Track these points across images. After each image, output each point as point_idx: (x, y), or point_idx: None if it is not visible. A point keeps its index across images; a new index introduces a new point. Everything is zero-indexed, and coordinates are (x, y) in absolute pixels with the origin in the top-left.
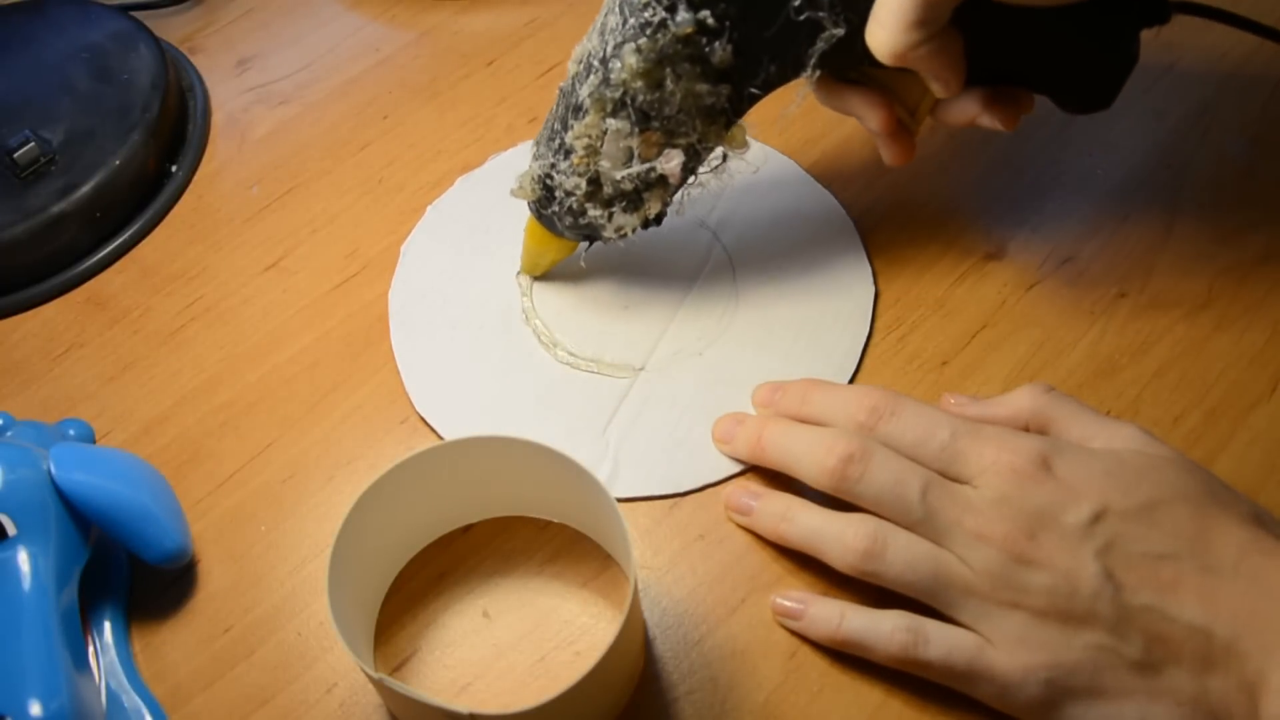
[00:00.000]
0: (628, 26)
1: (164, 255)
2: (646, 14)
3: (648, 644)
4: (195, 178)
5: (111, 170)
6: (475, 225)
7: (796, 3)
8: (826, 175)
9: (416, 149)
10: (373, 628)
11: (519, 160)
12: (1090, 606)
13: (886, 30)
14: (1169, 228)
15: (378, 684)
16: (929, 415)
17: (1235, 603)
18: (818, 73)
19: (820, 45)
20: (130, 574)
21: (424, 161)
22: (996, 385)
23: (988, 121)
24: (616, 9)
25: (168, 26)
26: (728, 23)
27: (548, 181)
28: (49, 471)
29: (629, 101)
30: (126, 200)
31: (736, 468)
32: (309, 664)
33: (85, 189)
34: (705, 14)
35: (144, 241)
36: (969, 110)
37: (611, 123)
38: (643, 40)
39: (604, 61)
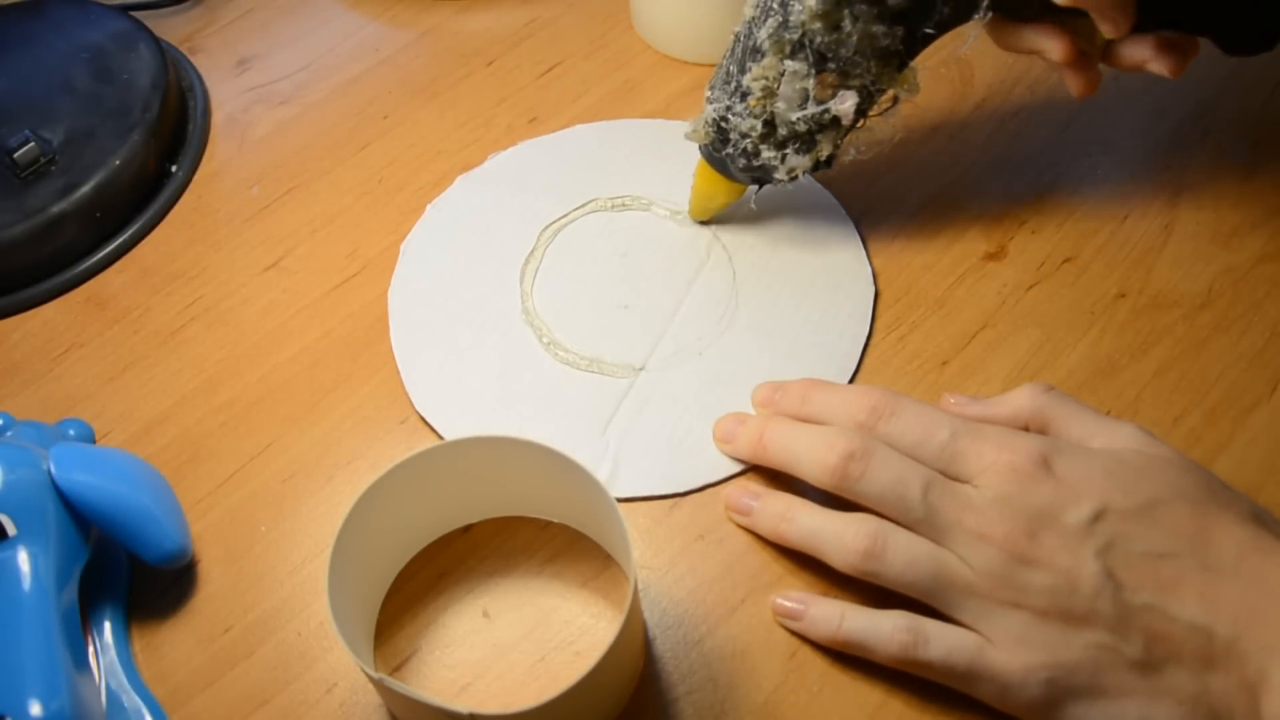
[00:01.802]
0: None
1: (164, 255)
2: None
3: (648, 644)
4: (195, 178)
5: (111, 170)
6: (475, 225)
7: None
8: (826, 175)
9: (416, 149)
10: (373, 628)
11: (519, 160)
12: (1091, 606)
13: None
14: (1169, 228)
15: (378, 684)
16: (929, 415)
17: (1236, 602)
18: (989, 14)
19: None
20: (130, 574)
21: (424, 161)
22: (996, 385)
23: (1155, 67)
24: None
25: (168, 26)
26: None
27: (722, 124)
28: (49, 471)
29: (807, 43)
30: (126, 200)
31: (736, 468)
32: (309, 664)
33: (85, 189)
34: None
35: (144, 241)
36: (1138, 54)
37: (789, 64)
38: None
39: (783, 4)
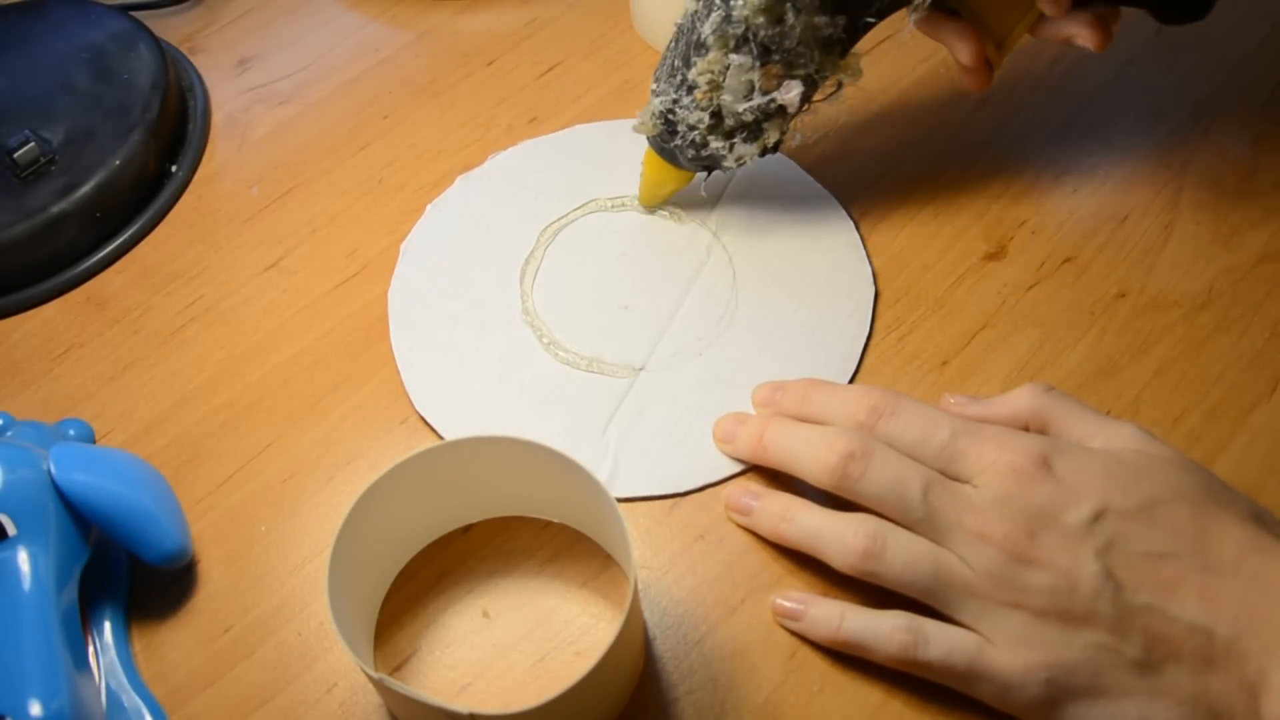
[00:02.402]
0: None
1: (164, 255)
2: None
3: (648, 644)
4: (195, 178)
5: (111, 170)
6: (475, 225)
7: None
8: (826, 175)
9: (416, 149)
10: (373, 628)
11: (519, 160)
12: (1090, 606)
13: None
14: (1169, 228)
15: (378, 684)
16: (929, 415)
17: (1235, 602)
18: (923, 3)
19: None
20: (130, 574)
21: (424, 161)
22: (996, 385)
23: (1084, 41)
24: None
25: (168, 26)
26: None
27: (669, 117)
28: (49, 471)
29: (751, 37)
30: (126, 200)
31: (736, 468)
32: (309, 664)
33: (85, 189)
34: None
35: (144, 241)
36: (1068, 29)
37: (734, 58)
38: None
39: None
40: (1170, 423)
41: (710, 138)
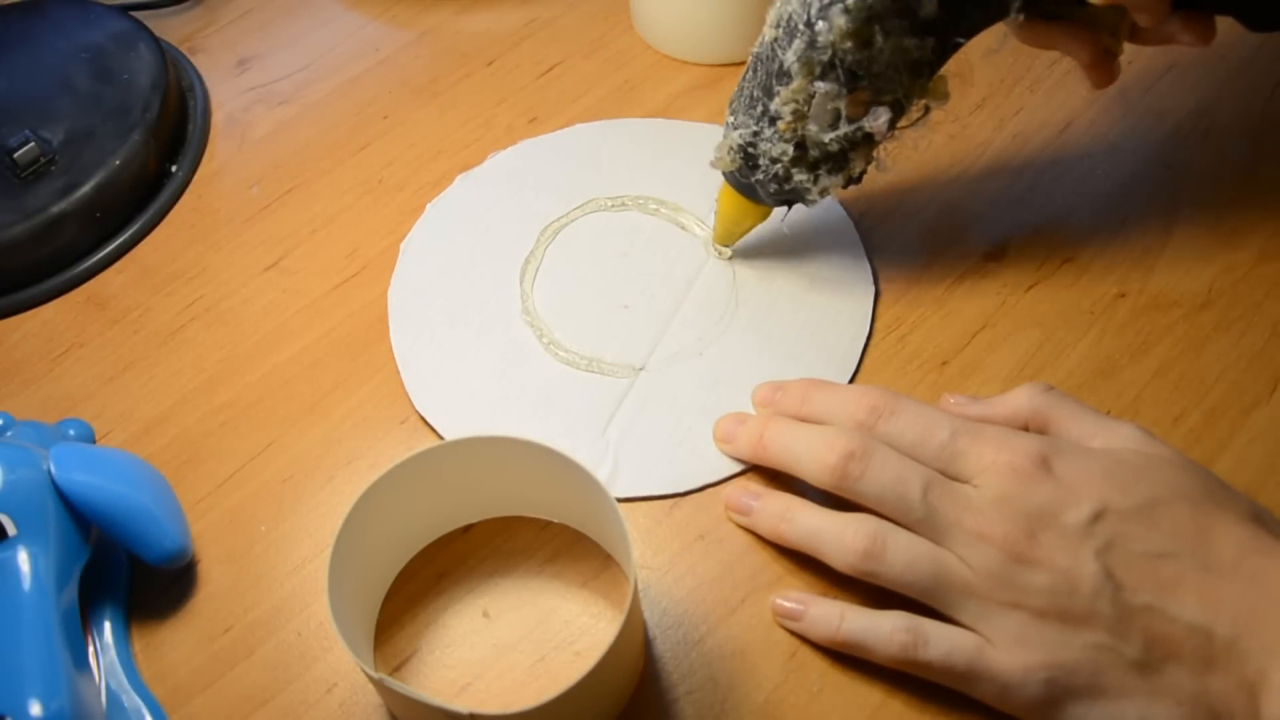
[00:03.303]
0: None
1: (164, 255)
2: None
3: (648, 644)
4: (195, 178)
5: (111, 170)
6: (475, 224)
7: None
8: None
9: (416, 149)
10: (373, 628)
11: (519, 159)
12: (1090, 606)
13: None
14: (1169, 228)
15: (378, 684)
16: (928, 415)
17: (1235, 602)
18: (1021, 15)
19: None
20: (130, 574)
21: (424, 161)
22: (996, 385)
23: (1185, 39)
24: None
25: (168, 26)
26: None
27: (750, 150)
28: (49, 471)
29: (838, 63)
30: (126, 200)
31: (736, 468)
32: (309, 664)
33: (85, 189)
34: None
35: (144, 241)
36: (1167, 31)
37: (820, 85)
38: (851, 0)
39: (809, 24)
40: (1170, 423)
41: (794, 170)
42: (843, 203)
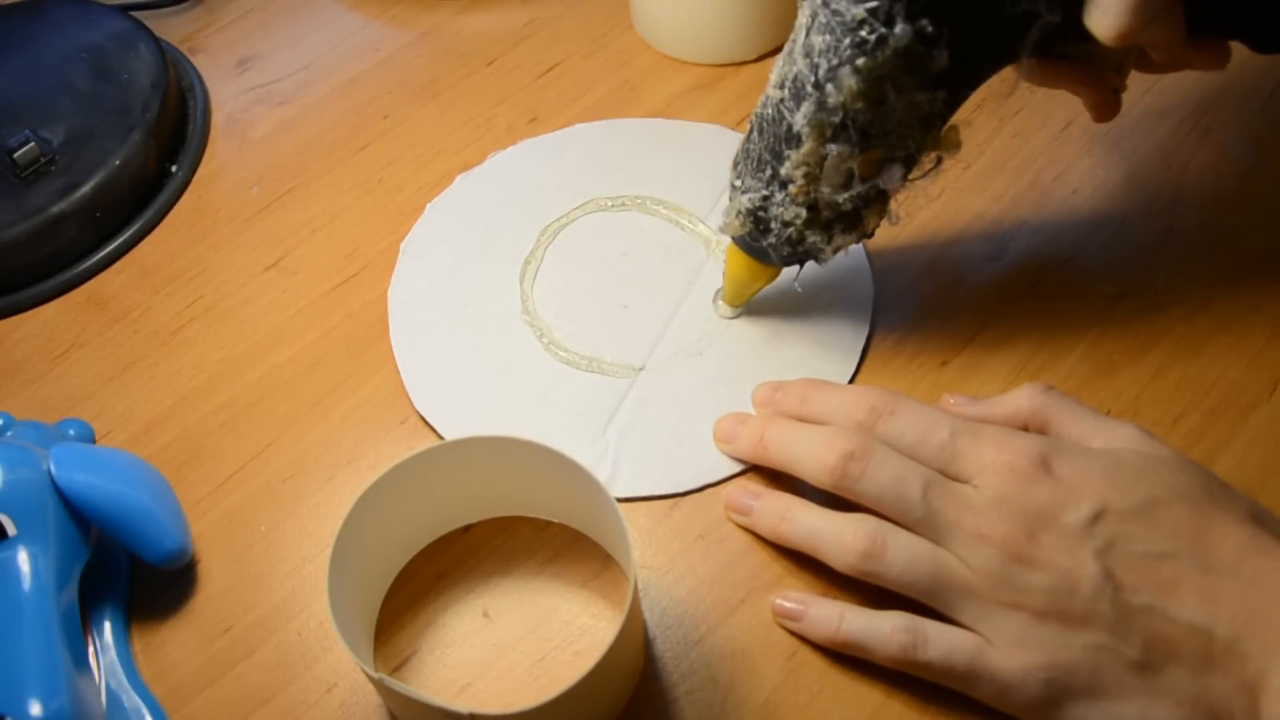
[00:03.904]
0: (843, 47)
1: (164, 255)
2: (862, 32)
3: (648, 644)
4: (195, 178)
5: (111, 170)
6: (475, 224)
7: None
8: None
9: (416, 149)
10: (373, 628)
11: (519, 159)
12: (1090, 606)
13: (1111, 15)
14: (1169, 228)
15: (378, 684)
16: (928, 414)
17: (1235, 603)
18: (1031, 60)
19: (1034, 34)
20: (130, 574)
21: (424, 161)
22: (996, 385)
23: (1201, 65)
24: (822, 29)
25: (168, 26)
26: (945, 27)
27: (760, 214)
28: (49, 471)
29: (850, 123)
30: (126, 200)
31: (736, 468)
32: (309, 664)
33: (85, 189)
34: (924, 22)
35: (144, 241)
36: (1181, 59)
37: (832, 147)
38: (861, 60)
39: (818, 85)
40: (1170, 423)
41: (807, 232)
42: None
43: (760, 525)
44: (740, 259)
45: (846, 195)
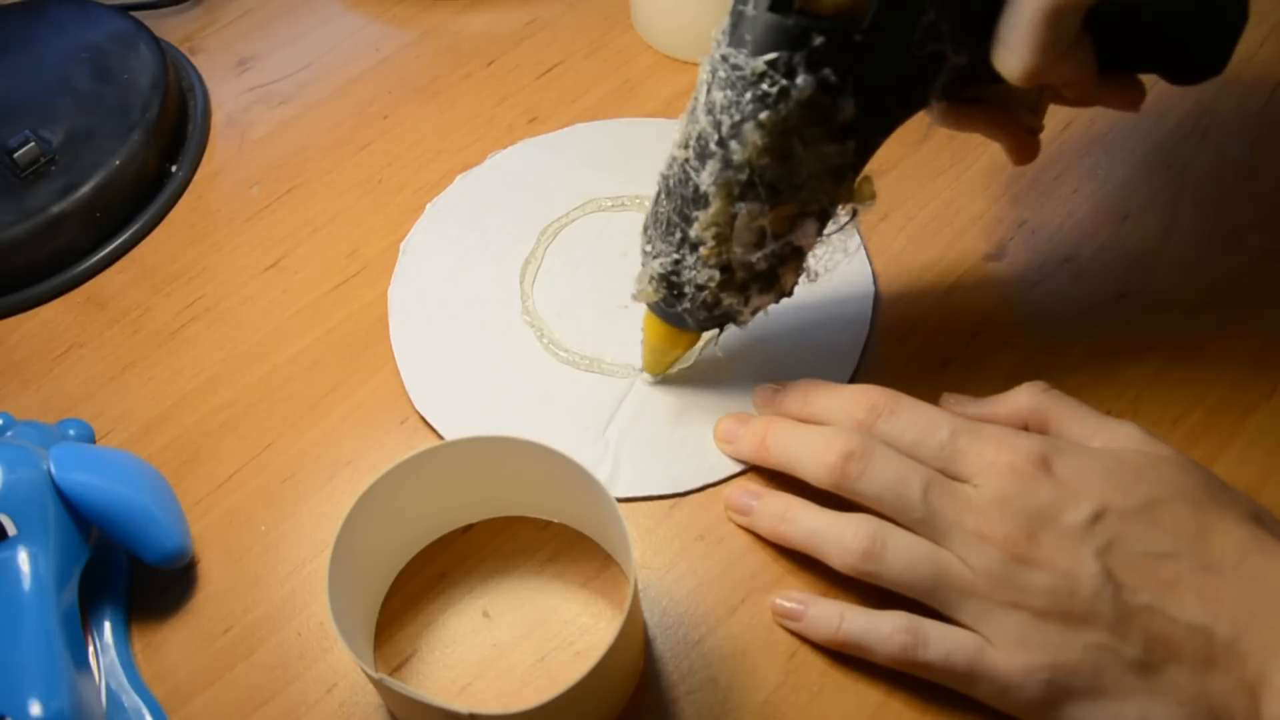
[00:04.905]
0: (744, 102)
1: (164, 255)
2: (763, 85)
3: (648, 644)
4: (195, 178)
5: (111, 170)
6: (475, 224)
7: (916, 39)
8: None
9: (416, 149)
10: (373, 628)
11: (519, 158)
12: (1090, 606)
13: (1018, 54)
14: (1169, 228)
15: (378, 684)
16: (928, 414)
17: (1235, 602)
18: (941, 104)
19: (942, 77)
20: (130, 574)
21: (424, 161)
22: (996, 385)
23: (1115, 104)
24: (722, 84)
25: (168, 26)
26: (850, 76)
27: (672, 279)
28: (49, 471)
29: (757, 180)
30: (126, 200)
31: (736, 468)
32: (309, 664)
33: (85, 189)
34: (826, 72)
35: (144, 241)
36: (1095, 96)
37: (741, 206)
38: (764, 114)
39: (721, 144)
40: (1170, 423)
41: (722, 294)
42: None
43: (760, 525)
44: (657, 326)
45: (760, 254)
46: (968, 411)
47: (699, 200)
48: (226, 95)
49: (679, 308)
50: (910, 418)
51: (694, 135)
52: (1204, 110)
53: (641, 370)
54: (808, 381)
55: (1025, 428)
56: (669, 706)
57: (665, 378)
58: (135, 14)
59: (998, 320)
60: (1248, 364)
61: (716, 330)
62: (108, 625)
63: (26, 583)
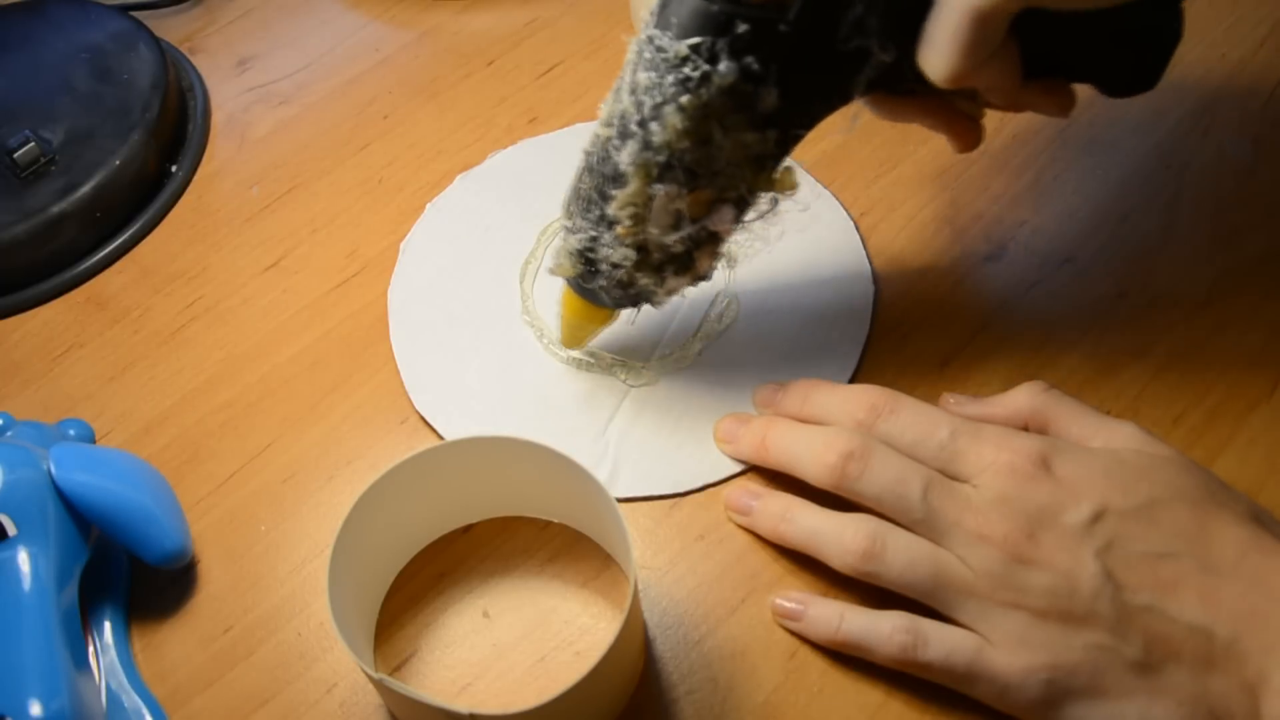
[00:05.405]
0: (666, 84)
1: (164, 255)
2: (686, 69)
3: (648, 644)
4: (195, 178)
5: (111, 170)
6: (475, 224)
7: (843, 33)
8: (826, 175)
9: (416, 149)
10: (373, 628)
11: (519, 158)
12: (1090, 606)
13: (942, 56)
14: (1169, 228)
15: (378, 684)
16: (928, 414)
17: (1235, 603)
18: (864, 98)
19: (867, 73)
20: (130, 574)
21: (424, 161)
22: (996, 385)
23: (1046, 109)
24: (647, 66)
25: (168, 26)
26: (773, 65)
27: (589, 255)
28: (49, 471)
29: (675, 163)
30: (126, 200)
31: (736, 468)
32: (309, 664)
33: (85, 189)
34: (750, 60)
35: (144, 241)
36: (1025, 101)
37: (658, 188)
38: (685, 97)
39: (642, 124)
40: (1170, 423)
41: (637, 274)
42: (843, 203)
43: (760, 525)
44: (574, 301)
45: (675, 237)
46: (967, 411)
47: (618, 179)
48: (226, 95)
49: (594, 284)
50: (910, 418)
51: (617, 114)
52: (1204, 110)
53: (559, 343)
54: (808, 381)
55: (1025, 428)
56: (669, 706)
57: (659, 380)
58: (135, 14)
59: (998, 320)
60: (1248, 364)
61: (634, 309)
62: (108, 625)
63: (26, 583)
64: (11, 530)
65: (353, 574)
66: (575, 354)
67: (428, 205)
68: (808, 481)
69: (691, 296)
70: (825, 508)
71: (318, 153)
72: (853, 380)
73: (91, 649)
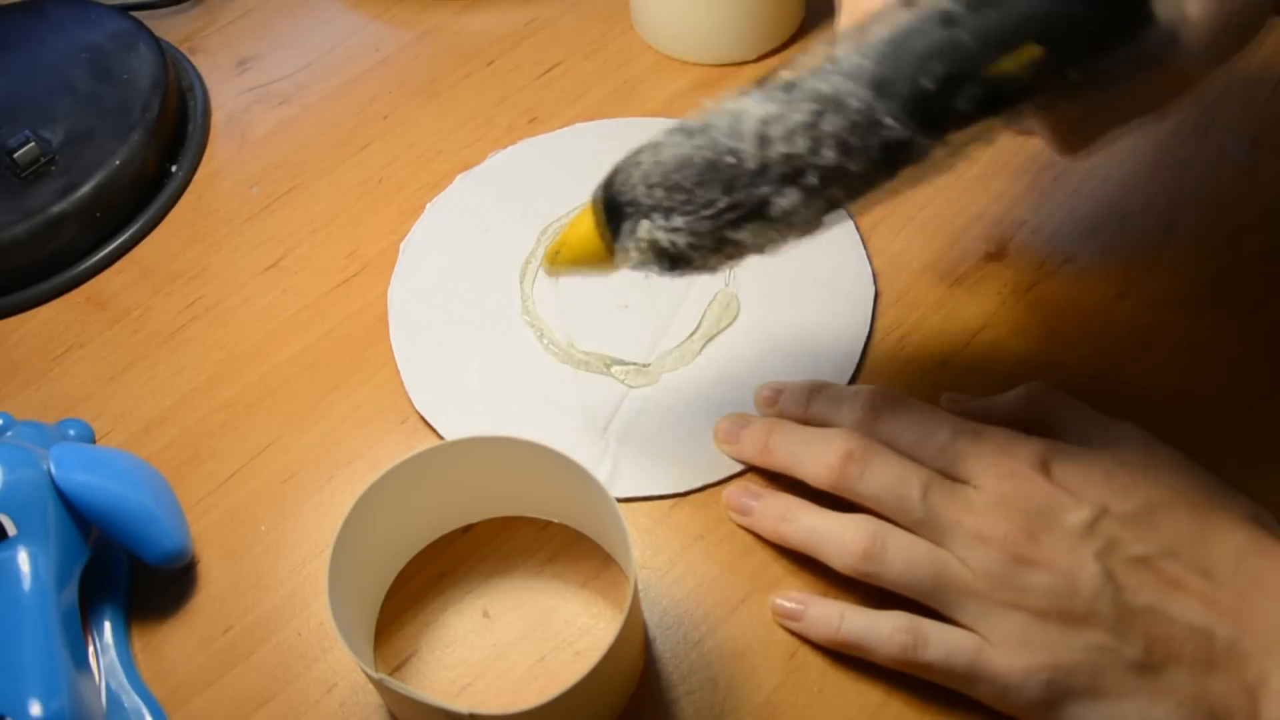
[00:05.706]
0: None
1: (164, 255)
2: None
3: (648, 644)
4: (195, 178)
5: (111, 170)
6: (475, 224)
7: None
8: None
9: (416, 149)
10: (373, 628)
11: (519, 158)
12: (1090, 607)
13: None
14: (1169, 228)
15: (378, 684)
16: (929, 415)
17: (1236, 604)
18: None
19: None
20: (130, 574)
21: (424, 161)
22: (996, 385)
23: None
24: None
25: (168, 26)
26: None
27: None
28: (49, 471)
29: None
30: (126, 200)
31: (736, 468)
32: (309, 664)
33: (85, 189)
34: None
35: (144, 241)
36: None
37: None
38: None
39: (823, 182)
40: (1170, 423)
41: (695, 259)
42: None
43: (760, 525)
44: (591, 242)
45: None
46: (967, 411)
47: (760, 213)
48: (226, 95)
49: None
50: (910, 418)
51: (781, 142)
52: (1204, 110)
53: (545, 262)
54: (808, 381)
55: (1025, 428)
56: (669, 706)
57: (659, 379)
58: (135, 14)
59: (998, 320)
60: (1247, 364)
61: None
62: (108, 625)
63: (26, 583)
64: (11, 530)
65: (353, 574)
66: (575, 354)
67: (428, 205)
68: (807, 482)
69: (692, 296)
70: (825, 508)
71: (318, 153)
72: (853, 380)
73: (91, 649)
